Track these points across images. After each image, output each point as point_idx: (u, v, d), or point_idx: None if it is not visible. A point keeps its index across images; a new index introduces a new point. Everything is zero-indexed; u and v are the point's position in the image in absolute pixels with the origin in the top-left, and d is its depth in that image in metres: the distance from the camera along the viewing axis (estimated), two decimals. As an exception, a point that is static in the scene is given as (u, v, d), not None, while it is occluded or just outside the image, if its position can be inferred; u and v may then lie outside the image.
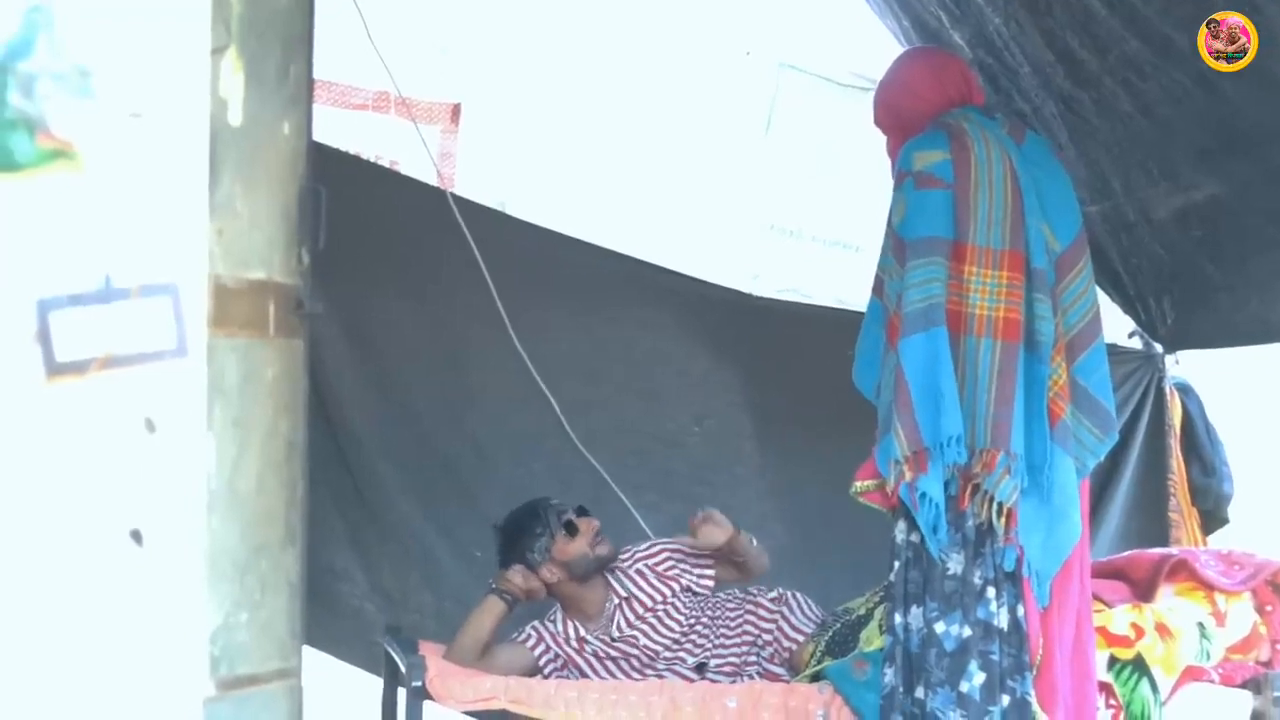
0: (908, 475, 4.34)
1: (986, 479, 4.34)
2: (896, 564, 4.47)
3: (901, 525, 4.46)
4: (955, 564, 4.39)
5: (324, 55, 3.27)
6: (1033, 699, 4.40)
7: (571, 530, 5.25)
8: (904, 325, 4.37)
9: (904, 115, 4.66)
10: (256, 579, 2.98)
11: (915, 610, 4.43)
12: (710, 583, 5.35)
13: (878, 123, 4.78)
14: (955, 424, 4.31)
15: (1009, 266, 4.41)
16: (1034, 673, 4.43)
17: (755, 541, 5.28)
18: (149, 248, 2.82)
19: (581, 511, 5.32)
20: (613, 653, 5.21)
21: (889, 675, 4.46)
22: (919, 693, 4.40)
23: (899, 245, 4.46)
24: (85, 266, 2.79)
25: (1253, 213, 4.89)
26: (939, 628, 4.39)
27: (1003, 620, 4.39)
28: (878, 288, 4.58)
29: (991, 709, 4.37)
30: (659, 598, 5.27)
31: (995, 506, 4.35)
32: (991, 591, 4.40)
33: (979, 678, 4.36)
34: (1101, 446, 4.60)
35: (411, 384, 5.86)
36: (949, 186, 4.41)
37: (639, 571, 5.31)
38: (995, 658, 4.38)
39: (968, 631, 4.38)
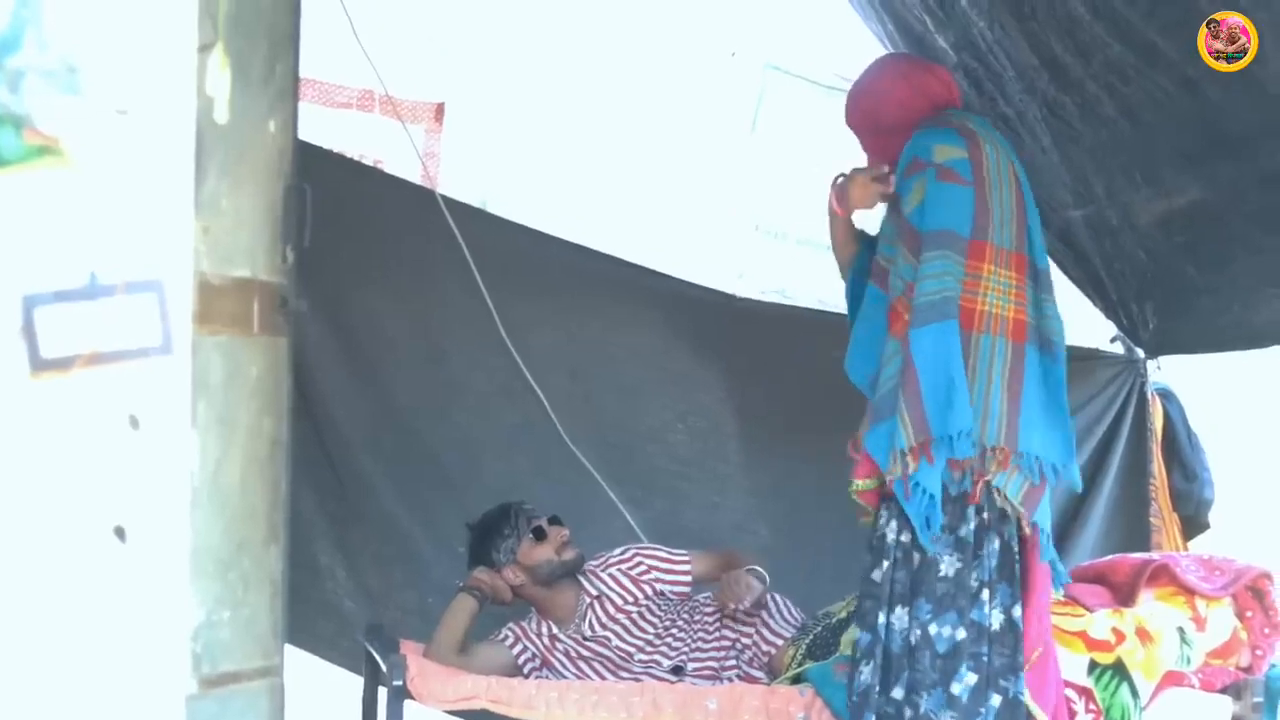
0: (912, 466, 4.31)
1: (999, 476, 4.35)
2: (885, 563, 4.45)
3: (892, 525, 4.44)
4: (948, 566, 4.39)
5: (308, 54, 3.26)
6: (1025, 697, 4.41)
7: (539, 535, 5.27)
8: (916, 315, 4.33)
9: (885, 123, 4.66)
10: (239, 576, 2.97)
11: (900, 610, 4.42)
12: (686, 589, 5.36)
13: (853, 125, 4.78)
14: (966, 418, 4.29)
15: (1015, 267, 4.44)
16: (1027, 670, 4.44)
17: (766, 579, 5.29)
18: (135, 244, 2.82)
19: (554, 520, 5.34)
20: (584, 652, 5.22)
21: (865, 674, 4.44)
22: (895, 693, 4.40)
23: (912, 234, 4.42)
24: (71, 263, 2.79)
25: (1236, 217, 4.90)
26: (932, 629, 4.38)
27: (995, 621, 4.39)
28: (879, 275, 4.54)
29: (981, 710, 4.37)
30: (630, 599, 5.29)
31: (1009, 503, 4.37)
32: (986, 593, 4.40)
33: (970, 679, 4.36)
34: None
35: (395, 381, 5.87)
36: (969, 184, 4.41)
37: (611, 575, 5.33)
38: (985, 659, 4.39)
39: (962, 634, 4.37)
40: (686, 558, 5.39)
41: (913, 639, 4.40)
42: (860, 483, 4.49)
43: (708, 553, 5.44)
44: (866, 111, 4.73)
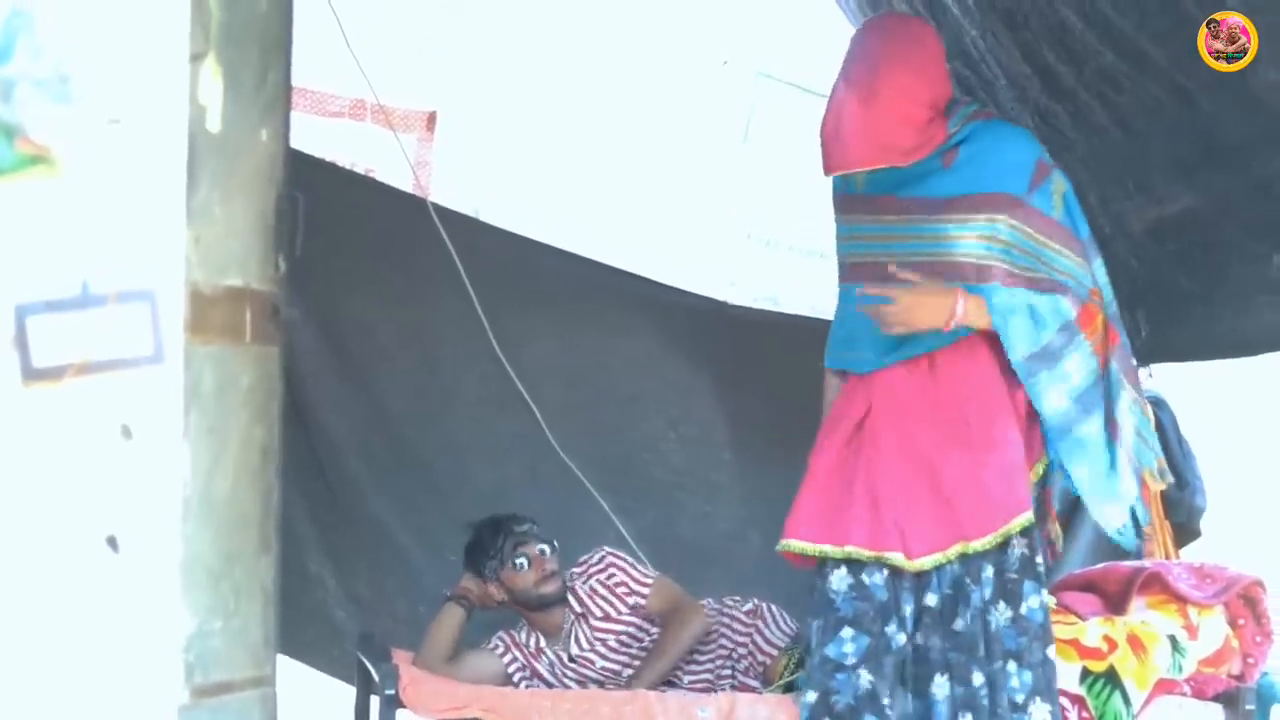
0: (1165, 481, 4.45)
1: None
2: (1044, 590, 4.43)
3: (1042, 551, 4.45)
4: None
5: (300, 63, 3.26)
6: None
7: (520, 565, 5.21)
8: (1115, 324, 4.38)
9: (942, 101, 4.27)
10: (231, 586, 2.97)
11: None
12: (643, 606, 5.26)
13: (887, 120, 4.17)
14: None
15: None
16: None
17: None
18: (127, 254, 2.81)
19: (543, 549, 5.26)
20: (569, 672, 5.19)
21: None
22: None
23: (1068, 236, 4.38)
24: (63, 272, 2.79)
25: (1229, 225, 4.90)
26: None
27: None
28: (1048, 286, 4.33)
29: None
30: (615, 612, 5.22)
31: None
32: None
33: (1046, 711, 4.43)
34: None
35: (388, 391, 5.86)
36: None
37: (591, 589, 5.26)
38: None
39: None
40: (650, 583, 5.27)
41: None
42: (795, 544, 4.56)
43: (672, 589, 5.29)
44: (907, 91, 4.15)
